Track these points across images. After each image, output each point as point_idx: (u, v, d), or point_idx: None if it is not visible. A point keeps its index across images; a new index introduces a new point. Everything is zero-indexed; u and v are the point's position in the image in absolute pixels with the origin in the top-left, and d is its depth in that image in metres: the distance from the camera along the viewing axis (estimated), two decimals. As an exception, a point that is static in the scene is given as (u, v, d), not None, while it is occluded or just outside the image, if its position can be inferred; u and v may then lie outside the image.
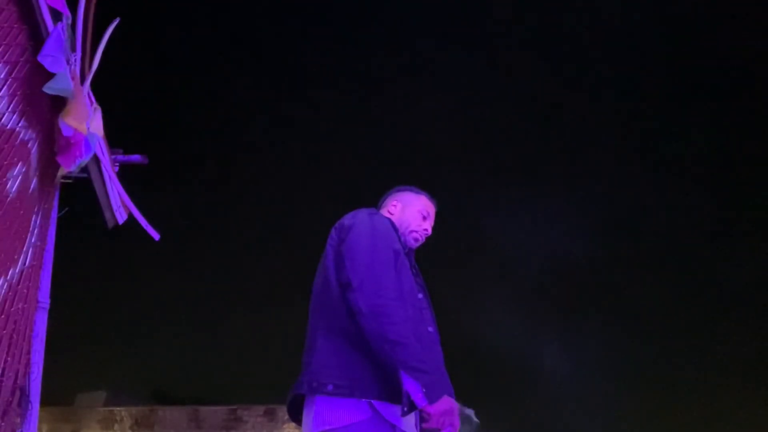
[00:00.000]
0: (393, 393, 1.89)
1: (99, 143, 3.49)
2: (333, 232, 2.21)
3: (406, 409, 1.84)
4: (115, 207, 3.94)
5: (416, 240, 2.38)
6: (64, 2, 3.05)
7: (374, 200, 2.54)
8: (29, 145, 3.07)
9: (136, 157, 4.25)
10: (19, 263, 3.06)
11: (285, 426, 13.40)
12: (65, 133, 3.05)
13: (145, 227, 4.02)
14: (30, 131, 3.05)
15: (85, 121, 3.14)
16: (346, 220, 2.21)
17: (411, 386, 1.84)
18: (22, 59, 2.94)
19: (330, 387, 1.94)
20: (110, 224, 3.99)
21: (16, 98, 2.88)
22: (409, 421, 1.96)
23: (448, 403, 1.86)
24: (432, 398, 1.83)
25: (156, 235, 4.03)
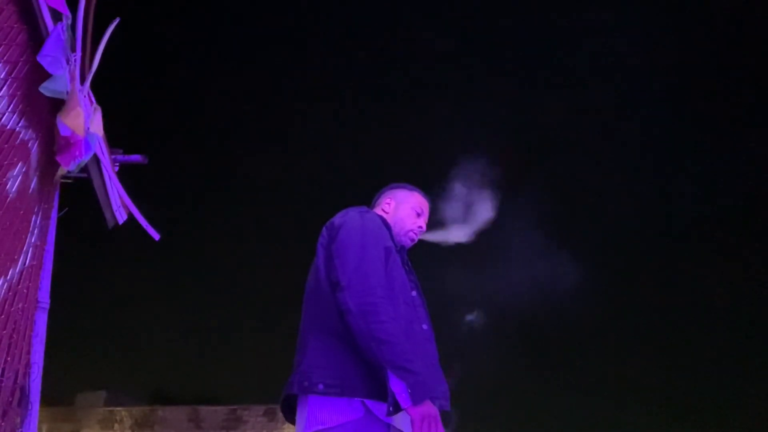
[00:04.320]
0: (383, 392, 1.89)
1: (99, 143, 3.49)
2: (324, 231, 2.21)
3: (391, 409, 1.84)
4: (115, 207, 3.93)
5: (412, 239, 2.39)
6: (64, 2, 3.05)
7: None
8: (29, 145, 3.07)
9: (136, 157, 4.24)
10: (19, 263, 3.06)
11: (285, 426, 13.41)
12: (63, 133, 3.06)
13: (145, 227, 4.02)
14: (30, 131, 3.05)
15: (84, 121, 3.14)
16: (337, 219, 2.21)
17: (397, 386, 1.84)
18: (22, 59, 2.94)
19: (320, 386, 1.94)
20: (110, 224, 3.98)
21: (16, 98, 2.88)
22: (405, 420, 1.96)
23: (430, 407, 1.85)
24: (416, 399, 1.82)
25: (156, 236, 4.03)
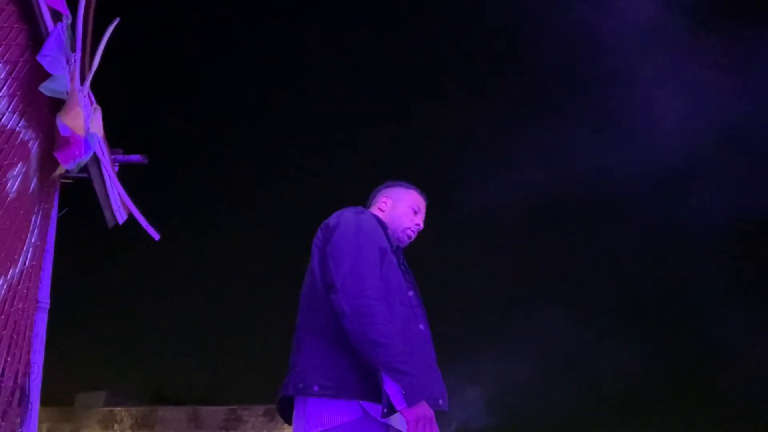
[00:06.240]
0: (379, 393, 1.89)
1: (99, 143, 3.49)
2: (319, 232, 2.21)
3: (386, 410, 1.84)
4: (115, 207, 3.94)
5: (409, 237, 2.38)
6: (64, 2, 3.05)
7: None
8: (29, 145, 3.07)
9: (136, 157, 4.25)
10: (19, 263, 3.06)
11: (285, 426, 13.41)
12: (63, 132, 3.06)
13: (145, 227, 4.02)
14: (30, 131, 3.05)
15: (84, 121, 3.15)
16: (332, 219, 2.21)
17: (391, 388, 1.84)
18: (22, 59, 2.94)
19: (316, 388, 1.95)
20: (110, 224, 3.99)
21: (16, 98, 2.88)
22: (403, 420, 1.96)
23: (425, 409, 1.85)
24: (411, 401, 1.83)
25: (156, 235, 4.04)
